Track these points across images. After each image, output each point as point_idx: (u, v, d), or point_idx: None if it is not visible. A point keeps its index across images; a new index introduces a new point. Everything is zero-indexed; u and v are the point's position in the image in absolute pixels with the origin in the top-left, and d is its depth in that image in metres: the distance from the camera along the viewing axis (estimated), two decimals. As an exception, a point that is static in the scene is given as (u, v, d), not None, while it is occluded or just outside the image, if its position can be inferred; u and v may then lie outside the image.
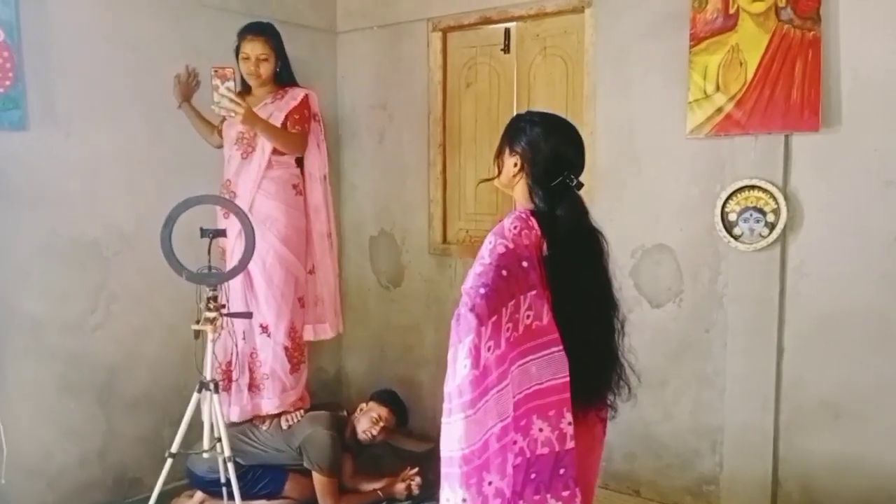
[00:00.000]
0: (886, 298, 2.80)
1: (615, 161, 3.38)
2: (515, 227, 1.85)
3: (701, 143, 3.14)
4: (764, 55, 2.94)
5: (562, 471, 1.81)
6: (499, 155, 2.01)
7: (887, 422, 2.82)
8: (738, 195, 3.03)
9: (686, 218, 3.21)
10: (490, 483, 1.76)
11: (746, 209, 3.02)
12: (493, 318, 1.72)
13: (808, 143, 2.91)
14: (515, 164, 1.95)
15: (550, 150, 1.91)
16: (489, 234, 1.87)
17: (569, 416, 1.81)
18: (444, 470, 1.80)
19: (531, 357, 1.78)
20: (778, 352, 3.02)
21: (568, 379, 1.80)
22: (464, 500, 1.76)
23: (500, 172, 2.01)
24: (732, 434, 3.13)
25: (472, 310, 1.71)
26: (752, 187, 3.00)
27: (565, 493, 1.82)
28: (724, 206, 3.06)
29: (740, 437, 3.11)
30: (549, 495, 1.82)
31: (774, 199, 2.95)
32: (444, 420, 1.79)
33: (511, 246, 1.81)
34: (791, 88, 2.88)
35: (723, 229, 3.06)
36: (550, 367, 1.79)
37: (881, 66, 2.77)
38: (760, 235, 2.99)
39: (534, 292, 1.78)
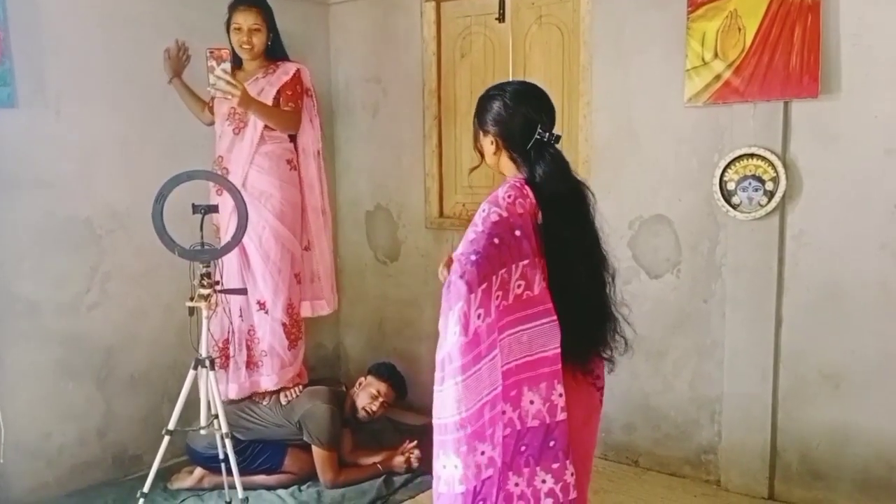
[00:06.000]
0: (886, 268, 2.78)
1: (612, 131, 3.34)
2: (510, 196, 1.83)
3: (699, 112, 3.10)
4: (763, 20, 2.88)
5: (552, 443, 1.81)
6: (476, 141, 2.03)
7: (887, 392, 2.81)
8: (737, 164, 2.99)
9: (684, 188, 3.18)
10: (483, 452, 1.75)
11: (745, 178, 2.98)
12: (483, 286, 1.71)
13: (808, 109, 2.87)
14: (492, 143, 1.96)
15: (516, 115, 1.92)
16: (483, 201, 1.86)
17: (560, 388, 1.80)
18: (437, 437, 1.80)
19: (521, 327, 1.77)
20: (777, 322, 3.00)
21: (559, 351, 1.79)
22: (455, 467, 1.76)
23: (483, 157, 2.03)
24: (731, 404, 3.13)
25: (461, 277, 1.71)
26: (751, 156, 2.96)
27: (555, 466, 1.81)
28: (722, 175, 3.02)
29: (739, 408, 3.10)
30: (538, 468, 1.81)
31: (773, 167, 2.92)
32: (436, 388, 1.78)
33: (505, 214, 1.80)
34: (790, 54, 2.84)
35: (721, 198, 3.03)
36: (541, 338, 1.78)
37: (882, 31, 2.71)
38: (759, 204, 2.96)
39: (526, 262, 1.77)
